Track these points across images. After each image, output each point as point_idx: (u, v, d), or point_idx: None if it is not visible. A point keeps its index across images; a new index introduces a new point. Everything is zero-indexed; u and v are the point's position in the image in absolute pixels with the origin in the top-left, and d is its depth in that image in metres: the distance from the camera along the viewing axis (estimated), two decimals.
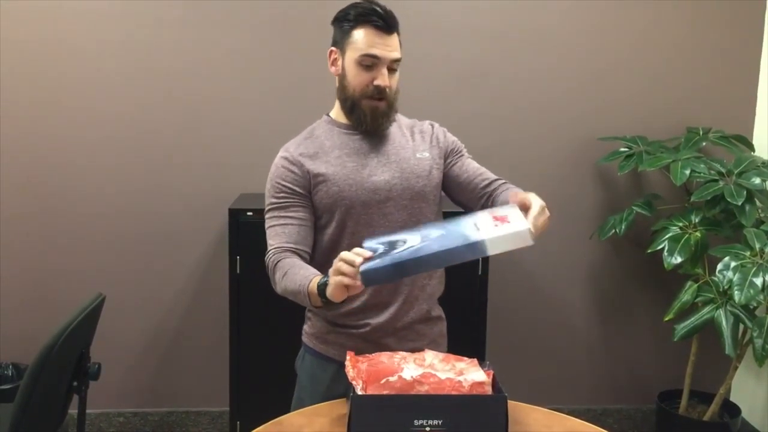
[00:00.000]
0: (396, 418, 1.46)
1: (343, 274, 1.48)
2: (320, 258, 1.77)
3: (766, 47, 3.12)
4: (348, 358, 1.59)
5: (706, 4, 3.10)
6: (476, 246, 1.47)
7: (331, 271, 1.53)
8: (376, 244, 1.54)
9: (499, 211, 1.56)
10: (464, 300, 2.74)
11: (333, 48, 1.78)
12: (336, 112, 1.84)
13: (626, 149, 2.98)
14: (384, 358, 1.63)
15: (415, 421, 1.47)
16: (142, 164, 3.02)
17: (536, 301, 3.23)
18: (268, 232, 1.77)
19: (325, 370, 1.80)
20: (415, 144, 1.83)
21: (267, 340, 2.73)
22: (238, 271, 2.66)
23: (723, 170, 2.75)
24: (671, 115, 3.16)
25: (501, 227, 1.50)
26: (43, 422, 1.87)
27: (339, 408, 1.65)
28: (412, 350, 1.68)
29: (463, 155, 1.87)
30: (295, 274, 1.66)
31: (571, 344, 3.28)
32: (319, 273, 1.65)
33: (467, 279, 2.74)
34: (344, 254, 1.50)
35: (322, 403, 1.72)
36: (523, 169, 3.13)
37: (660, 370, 3.28)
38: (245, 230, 2.65)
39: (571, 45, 3.10)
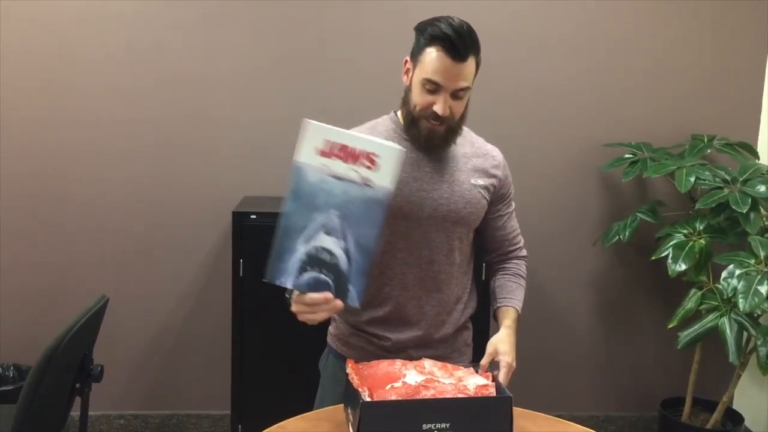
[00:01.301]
0: (405, 423, 1.46)
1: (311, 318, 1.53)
2: None
3: None
4: (349, 366, 1.59)
5: (711, 12, 3.10)
6: (387, 195, 1.48)
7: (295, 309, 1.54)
8: (307, 277, 1.50)
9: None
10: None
11: (408, 58, 1.70)
12: (401, 113, 1.76)
13: (631, 156, 2.97)
14: (384, 365, 1.63)
15: (424, 425, 1.46)
16: (146, 168, 3.02)
17: (539, 307, 3.22)
18: None
19: (346, 371, 1.80)
20: (474, 169, 1.77)
21: (269, 344, 2.73)
22: (241, 275, 2.66)
23: (728, 178, 2.75)
24: (676, 121, 3.15)
25: (377, 160, 1.48)
26: (46, 424, 1.87)
27: (340, 413, 1.65)
28: (434, 357, 1.68)
29: (510, 207, 1.85)
30: None
31: (574, 351, 3.28)
32: None
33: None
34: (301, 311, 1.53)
35: (324, 408, 1.72)
36: (528, 175, 3.12)
37: (663, 377, 3.27)
38: (249, 233, 2.65)
39: (575, 51, 3.10)
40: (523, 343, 3.19)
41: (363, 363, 1.64)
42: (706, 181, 2.71)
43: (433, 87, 1.62)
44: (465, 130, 1.80)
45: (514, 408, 1.55)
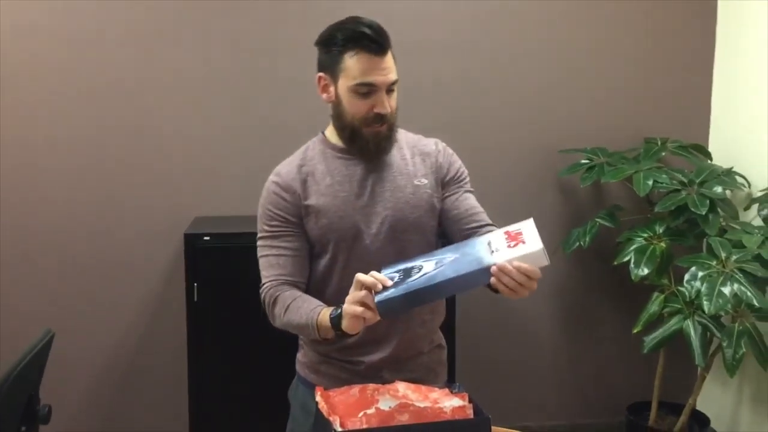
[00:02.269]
0: None
1: (363, 304, 1.45)
2: (313, 287, 1.70)
3: (718, 57, 3.16)
4: (318, 394, 1.50)
5: (659, 14, 3.12)
6: (489, 270, 1.45)
7: (348, 299, 1.49)
8: (391, 272, 1.50)
9: (513, 227, 1.53)
10: None
11: (321, 74, 1.65)
12: (331, 132, 1.72)
13: (587, 161, 2.96)
14: (355, 390, 1.55)
15: None
16: (88, 189, 2.89)
17: (502, 317, 3.18)
18: (261, 261, 1.69)
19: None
20: (414, 168, 1.72)
21: (227, 369, 2.63)
22: (195, 299, 2.55)
23: (685, 180, 2.76)
24: (629, 126, 3.16)
25: (515, 249, 1.47)
26: None
27: None
28: (410, 380, 1.59)
29: (461, 188, 1.76)
30: (298, 308, 1.60)
31: (539, 360, 3.24)
32: (322, 304, 1.60)
33: None
34: (362, 278, 1.46)
35: None
36: (485, 182, 3.06)
37: (628, 382, 3.26)
38: (202, 256, 2.54)
39: (529, 60, 3.09)
40: (485, 353, 3.17)
41: (333, 389, 1.56)
42: (664, 184, 2.72)
43: (367, 89, 1.59)
44: (400, 131, 1.75)
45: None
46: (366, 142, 1.64)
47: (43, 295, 2.90)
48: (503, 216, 3.07)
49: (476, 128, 3.08)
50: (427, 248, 1.69)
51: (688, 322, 2.58)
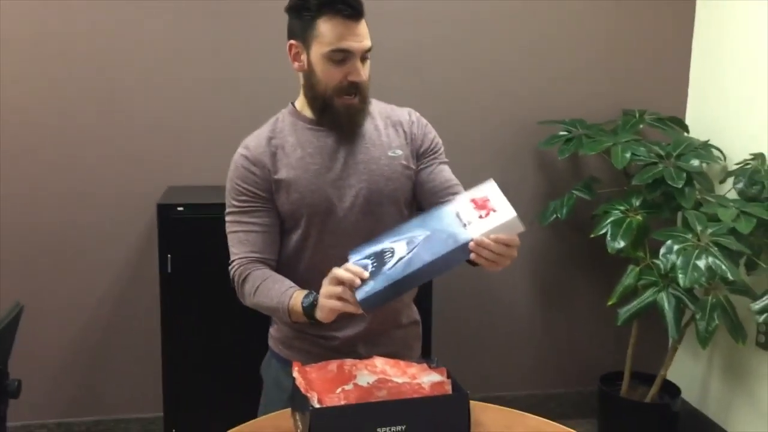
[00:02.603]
0: (358, 429, 1.38)
1: (341, 299, 1.41)
2: (285, 263, 1.67)
3: (697, 29, 3.14)
4: (295, 369, 1.48)
5: None
6: (468, 247, 1.42)
7: (323, 293, 1.44)
8: (362, 259, 1.45)
9: (476, 193, 1.48)
10: None
11: (293, 41, 1.58)
12: (301, 104, 1.66)
13: (566, 133, 2.95)
14: (333, 366, 1.53)
15: (378, 429, 1.39)
16: (57, 158, 2.80)
17: (478, 287, 3.18)
18: (230, 237, 1.64)
19: (291, 376, 1.68)
20: (388, 140, 1.67)
21: (202, 342, 2.60)
22: (169, 271, 2.50)
23: (662, 153, 2.76)
24: (607, 97, 3.15)
25: (488, 219, 1.43)
26: None
27: (283, 419, 1.55)
28: (386, 355, 1.58)
29: (436, 159, 1.72)
30: (269, 289, 1.56)
31: (513, 330, 3.26)
32: (294, 285, 1.56)
33: None
34: (339, 274, 1.40)
35: (268, 415, 1.62)
36: (462, 154, 3.05)
37: (601, 353, 3.29)
38: (176, 227, 2.50)
39: (509, 30, 3.04)
40: (461, 323, 3.18)
41: (310, 365, 1.54)
42: (642, 157, 2.72)
43: (342, 56, 1.53)
44: (372, 102, 1.71)
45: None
46: (338, 114, 1.59)
47: (12, 268, 2.83)
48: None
49: (454, 99, 3.04)
50: (401, 220, 1.66)
51: (662, 295, 2.60)
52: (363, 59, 1.57)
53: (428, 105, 3.02)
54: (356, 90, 1.57)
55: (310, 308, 1.49)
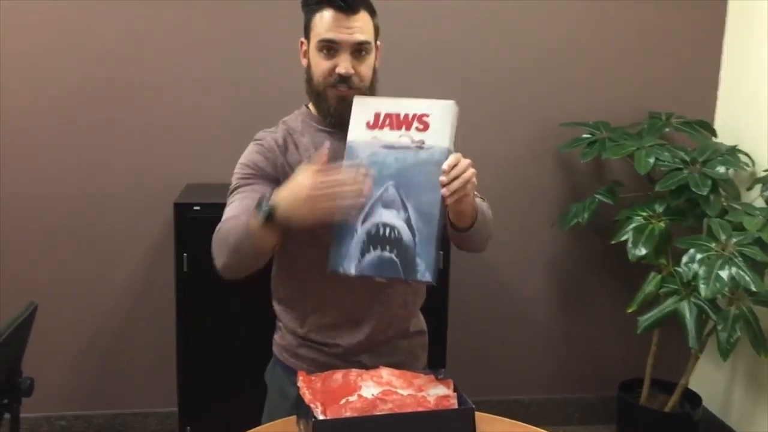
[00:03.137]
0: None
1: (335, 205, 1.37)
2: (287, 260, 1.65)
3: (728, 31, 3.07)
4: (300, 379, 1.47)
5: None
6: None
7: (294, 198, 1.37)
8: (371, 257, 1.44)
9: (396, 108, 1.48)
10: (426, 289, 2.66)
11: (302, 39, 1.62)
12: (312, 104, 1.67)
13: (589, 136, 2.90)
14: (338, 376, 1.52)
15: None
16: (75, 157, 2.82)
17: (497, 291, 3.15)
18: (225, 210, 1.57)
19: (296, 384, 1.67)
20: None
21: (216, 340, 2.60)
22: (185, 269, 2.51)
23: (687, 158, 2.70)
24: (633, 99, 3.09)
25: (435, 129, 1.43)
26: None
27: (290, 428, 1.54)
28: (390, 365, 1.56)
29: None
30: (236, 223, 1.49)
31: (532, 334, 3.22)
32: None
33: None
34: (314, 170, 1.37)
35: (274, 422, 1.61)
36: (483, 155, 3.00)
37: (621, 359, 3.24)
38: (192, 226, 2.50)
39: (532, 30, 2.99)
40: (480, 326, 3.15)
41: (316, 374, 1.53)
42: (666, 162, 2.66)
43: (329, 46, 1.53)
44: None
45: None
46: (329, 104, 1.58)
47: (28, 266, 2.86)
48: (502, 189, 3.06)
49: (474, 99, 3.00)
50: None
51: (684, 304, 2.55)
52: (358, 53, 1.55)
53: None
54: (348, 83, 1.54)
55: (266, 212, 1.39)
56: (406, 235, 1.43)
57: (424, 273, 1.43)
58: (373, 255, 1.44)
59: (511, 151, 3.06)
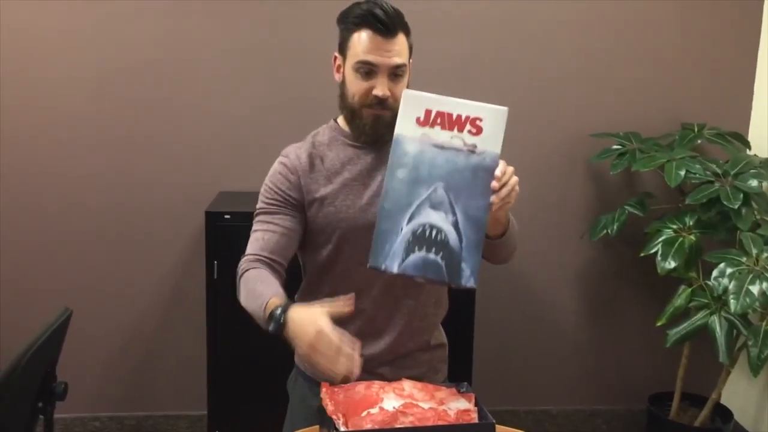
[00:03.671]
0: None
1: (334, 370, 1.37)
2: (312, 277, 1.68)
3: (763, 41, 3.02)
4: (323, 390, 1.50)
5: None
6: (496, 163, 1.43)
7: (301, 331, 1.38)
8: (411, 259, 1.42)
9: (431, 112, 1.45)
10: (451, 300, 2.65)
11: (336, 54, 1.64)
12: (343, 119, 1.69)
13: (619, 147, 2.88)
14: (361, 388, 1.54)
15: None
16: (111, 164, 2.90)
17: (525, 301, 3.15)
18: (250, 237, 1.65)
19: (317, 395, 1.69)
20: None
21: (244, 346, 2.63)
22: (215, 277, 2.56)
23: (719, 171, 2.66)
24: (665, 110, 3.06)
25: (487, 134, 1.46)
26: None
27: None
28: (409, 378, 1.57)
29: None
30: (256, 289, 1.53)
31: (560, 345, 3.21)
32: (277, 293, 1.50)
33: None
34: (322, 330, 1.34)
35: (309, 428, 1.64)
36: (512, 165, 3.02)
37: (650, 371, 3.21)
38: (223, 234, 2.55)
39: (562, 38, 2.99)
40: (508, 335, 3.15)
41: (338, 386, 1.55)
42: (697, 175, 2.63)
43: (367, 68, 1.55)
44: None
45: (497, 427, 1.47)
46: (364, 124, 1.60)
47: (63, 273, 2.93)
48: (531, 199, 3.06)
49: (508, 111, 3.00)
50: None
51: (714, 318, 2.52)
52: (394, 76, 1.57)
53: None
54: (384, 105, 1.57)
55: (277, 327, 1.42)
56: (452, 238, 1.42)
57: (469, 278, 1.43)
58: (417, 255, 1.43)
59: (541, 161, 3.06)
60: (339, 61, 1.63)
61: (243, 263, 1.61)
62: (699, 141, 2.85)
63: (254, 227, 1.66)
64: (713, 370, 2.89)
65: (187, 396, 3.02)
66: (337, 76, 1.64)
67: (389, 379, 1.60)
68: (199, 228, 2.74)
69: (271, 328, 1.44)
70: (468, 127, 1.44)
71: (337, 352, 1.36)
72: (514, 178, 1.46)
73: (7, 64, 2.79)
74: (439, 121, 1.44)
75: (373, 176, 1.64)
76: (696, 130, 2.90)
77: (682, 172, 2.61)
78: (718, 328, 2.51)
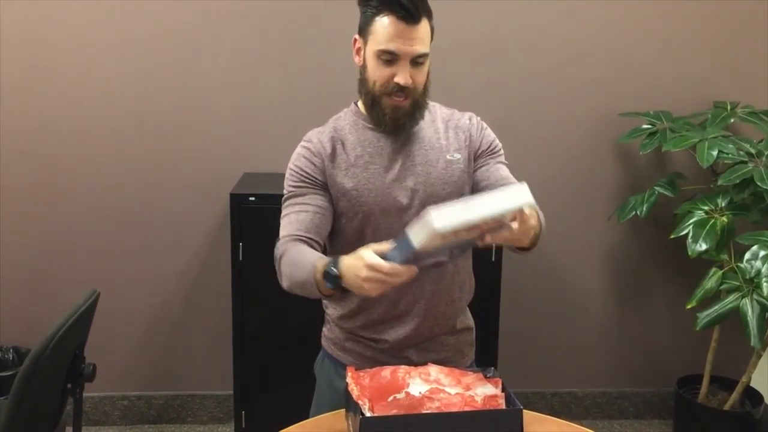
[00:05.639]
0: None
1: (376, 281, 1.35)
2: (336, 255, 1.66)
3: None
4: (349, 374, 1.49)
5: None
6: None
7: (358, 277, 1.37)
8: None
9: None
10: (477, 283, 2.63)
11: (356, 36, 1.61)
12: (362, 102, 1.67)
13: (649, 126, 2.82)
14: (387, 372, 1.53)
15: None
16: (137, 146, 2.90)
17: (552, 283, 3.12)
18: (282, 222, 1.63)
19: (344, 378, 1.69)
20: (447, 143, 1.66)
21: (270, 327, 2.65)
22: (240, 258, 2.56)
23: (752, 151, 2.60)
24: (697, 88, 3.00)
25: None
26: (36, 427, 1.80)
27: (339, 421, 1.56)
28: (436, 362, 1.57)
29: (494, 158, 1.69)
30: (299, 261, 1.52)
31: (588, 327, 3.18)
32: (322, 256, 1.52)
33: (480, 262, 2.62)
34: (371, 262, 1.34)
35: (324, 415, 1.64)
36: (539, 146, 2.99)
37: (679, 354, 3.17)
38: (248, 216, 2.54)
39: (591, 15, 2.93)
40: (535, 319, 3.13)
41: (364, 370, 1.55)
42: (730, 155, 2.57)
43: (390, 57, 1.52)
44: (432, 104, 1.68)
45: (525, 412, 1.45)
46: (383, 113, 1.58)
47: (90, 255, 2.95)
48: (559, 180, 3.02)
49: (531, 88, 2.96)
50: None
51: (746, 301, 2.47)
52: (416, 63, 1.54)
53: (505, 95, 2.98)
54: (405, 93, 1.55)
55: (332, 276, 1.43)
56: None
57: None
58: None
59: (569, 141, 3.01)
60: (359, 44, 1.60)
61: (280, 246, 1.60)
62: (732, 120, 2.79)
63: (285, 212, 1.64)
64: (743, 353, 2.85)
65: (214, 376, 3.04)
66: (357, 60, 1.62)
67: (415, 363, 1.59)
68: (224, 210, 2.74)
69: (329, 285, 1.44)
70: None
71: (392, 273, 1.34)
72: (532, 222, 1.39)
73: (45, 43, 2.80)
74: (462, 233, 1.36)
75: (394, 159, 1.63)
76: (729, 108, 2.83)
77: (715, 152, 2.55)
78: (749, 312, 2.46)
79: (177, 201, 2.94)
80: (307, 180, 1.62)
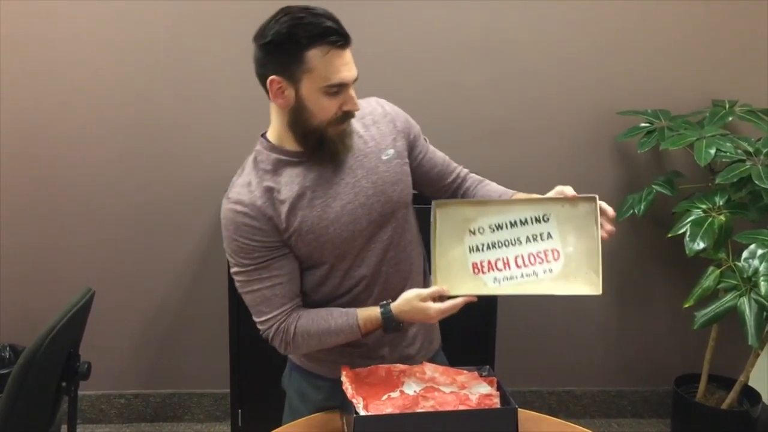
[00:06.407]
0: None
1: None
2: (310, 293, 1.59)
3: None
4: (344, 374, 1.49)
5: None
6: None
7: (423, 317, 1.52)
8: None
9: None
10: None
11: (274, 77, 1.43)
12: (277, 136, 1.53)
13: (647, 124, 2.82)
14: (382, 372, 1.53)
15: None
16: (132, 144, 2.89)
17: None
18: (250, 297, 1.52)
19: (318, 388, 1.66)
20: (375, 143, 1.57)
21: None
22: None
23: (750, 149, 2.60)
24: (695, 86, 2.98)
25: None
26: (31, 426, 1.80)
27: (333, 420, 1.56)
28: (408, 355, 1.59)
29: (426, 143, 1.67)
30: (327, 321, 1.52)
31: (586, 326, 3.18)
32: (348, 311, 1.53)
33: None
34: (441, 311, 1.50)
35: (317, 414, 1.63)
36: (537, 144, 2.99)
37: (677, 353, 3.17)
38: None
39: (589, 14, 2.92)
40: (533, 316, 3.12)
41: (360, 368, 1.54)
42: (728, 153, 2.56)
43: (338, 89, 1.43)
44: None
45: (520, 411, 1.45)
46: (334, 144, 1.48)
47: (85, 253, 2.95)
48: (557, 178, 2.98)
49: (530, 87, 2.95)
50: (412, 219, 1.65)
51: (744, 300, 2.47)
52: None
53: (504, 94, 2.97)
54: (350, 116, 1.49)
55: (388, 314, 1.52)
56: None
57: None
58: None
59: (567, 139, 3.00)
60: (280, 85, 1.44)
61: (278, 325, 1.52)
62: (730, 118, 2.78)
63: (249, 286, 1.52)
64: (741, 352, 2.84)
65: (211, 374, 3.04)
66: (281, 102, 1.45)
67: (388, 361, 1.59)
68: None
69: (393, 328, 1.54)
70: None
71: (460, 305, 1.51)
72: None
73: (46, 42, 2.80)
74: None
75: (335, 183, 1.52)
76: (727, 107, 2.82)
77: (713, 151, 2.54)
78: (747, 310, 2.45)
79: (174, 199, 2.94)
80: (262, 249, 1.48)
